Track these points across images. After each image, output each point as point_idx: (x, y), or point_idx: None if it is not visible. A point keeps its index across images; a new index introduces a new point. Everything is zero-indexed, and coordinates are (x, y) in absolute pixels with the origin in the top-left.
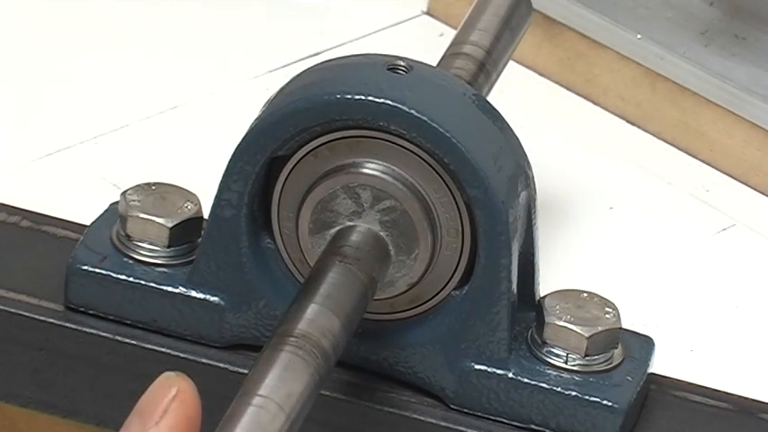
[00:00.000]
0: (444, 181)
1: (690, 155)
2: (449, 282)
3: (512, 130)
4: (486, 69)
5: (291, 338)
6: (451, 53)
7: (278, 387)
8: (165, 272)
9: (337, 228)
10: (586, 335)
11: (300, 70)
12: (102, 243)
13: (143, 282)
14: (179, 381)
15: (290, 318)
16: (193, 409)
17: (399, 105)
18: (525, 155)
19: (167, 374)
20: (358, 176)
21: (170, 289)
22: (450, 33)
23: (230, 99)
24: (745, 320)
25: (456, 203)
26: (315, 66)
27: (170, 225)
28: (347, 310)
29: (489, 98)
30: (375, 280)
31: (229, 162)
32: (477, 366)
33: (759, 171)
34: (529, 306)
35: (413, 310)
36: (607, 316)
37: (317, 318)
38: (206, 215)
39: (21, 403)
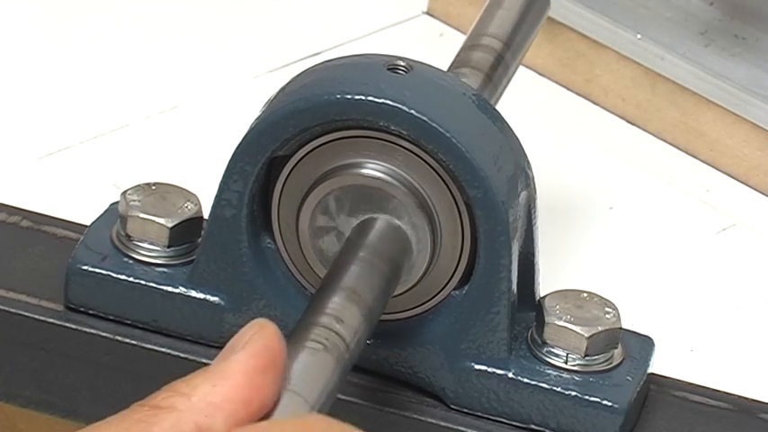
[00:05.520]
0: (444, 181)
1: (690, 155)
2: (449, 282)
3: (512, 129)
4: (505, 61)
5: (315, 330)
6: (470, 45)
7: (302, 381)
8: (165, 272)
9: (359, 220)
10: (586, 335)
11: (300, 70)
12: (102, 243)
13: (143, 282)
14: (262, 320)
15: (313, 310)
16: (272, 340)
17: (399, 105)
18: (525, 155)
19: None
20: (358, 177)
21: (170, 289)
22: (451, 33)
23: (230, 99)
24: (745, 320)
25: (456, 203)
26: (315, 66)
27: (170, 225)
28: (369, 303)
29: (487, 97)
30: (398, 270)
31: (229, 162)
32: (477, 366)
33: (759, 171)
34: (529, 306)
35: (413, 310)
36: (607, 316)
37: (340, 310)
38: (206, 215)
39: (21, 403)
